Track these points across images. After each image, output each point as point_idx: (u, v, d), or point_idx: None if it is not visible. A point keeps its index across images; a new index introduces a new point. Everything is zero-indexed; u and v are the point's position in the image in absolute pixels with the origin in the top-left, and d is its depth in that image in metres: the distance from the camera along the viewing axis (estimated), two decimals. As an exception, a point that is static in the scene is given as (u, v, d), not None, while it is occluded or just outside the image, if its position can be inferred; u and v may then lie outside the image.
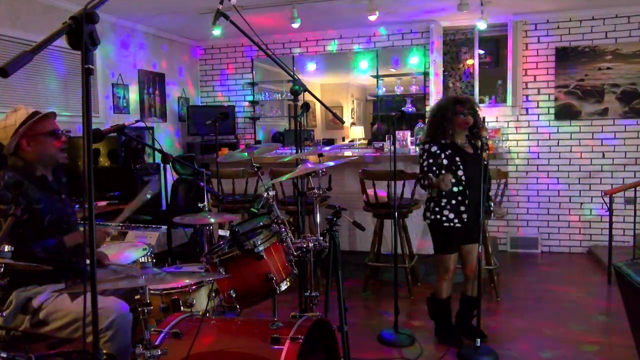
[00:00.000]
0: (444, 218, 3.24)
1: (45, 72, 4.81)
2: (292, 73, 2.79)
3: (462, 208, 3.21)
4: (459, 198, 3.22)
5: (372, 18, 5.27)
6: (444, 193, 3.21)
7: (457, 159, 3.22)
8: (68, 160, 2.52)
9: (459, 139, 3.28)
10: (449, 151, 3.23)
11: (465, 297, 3.47)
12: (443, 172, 3.19)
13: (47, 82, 4.84)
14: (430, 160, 3.24)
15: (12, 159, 2.43)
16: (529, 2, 5.44)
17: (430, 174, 3.19)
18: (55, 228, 2.41)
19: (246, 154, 2.92)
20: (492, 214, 3.39)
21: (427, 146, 3.28)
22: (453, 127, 3.24)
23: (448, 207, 3.23)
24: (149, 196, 2.66)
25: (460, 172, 3.20)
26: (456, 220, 3.23)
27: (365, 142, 7.44)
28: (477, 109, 3.31)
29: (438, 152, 3.24)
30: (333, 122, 8.67)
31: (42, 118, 2.40)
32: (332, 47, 6.72)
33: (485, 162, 3.14)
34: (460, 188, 3.21)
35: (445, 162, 3.22)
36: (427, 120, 3.50)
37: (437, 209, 3.27)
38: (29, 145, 2.40)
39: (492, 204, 3.42)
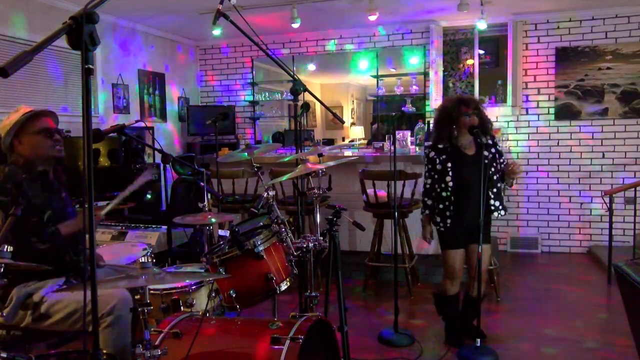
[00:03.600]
0: (433, 220, 3.36)
1: (45, 72, 4.81)
2: (292, 73, 2.79)
3: (447, 213, 3.26)
4: (446, 203, 3.27)
5: (372, 18, 5.26)
6: (433, 194, 3.36)
7: (449, 164, 3.26)
8: (63, 154, 2.53)
9: (463, 140, 3.29)
10: (444, 156, 3.28)
11: (468, 297, 3.47)
12: (436, 177, 3.31)
13: (47, 82, 4.84)
14: (429, 166, 3.35)
15: (13, 157, 2.46)
16: (529, 2, 5.44)
17: (426, 209, 3.36)
18: (54, 224, 2.42)
19: (246, 154, 2.92)
20: (501, 210, 3.36)
21: (427, 151, 3.39)
22: (458, 128, 3.25)
23: (436, 210, 3.33)
24: (151, 177, 2.69)
25: (448, 178, 3.26)
26: (441, 224, 3.30)
27: (365, 142, 7.44)
28: (482, 108, 3.32)
29: (434, 157, 3.32)
30: (333, 122, 8.68)
31: (32, 117, 2.42)
32: (332, 47, 6.72)
33: (486, 161, 3.14)
34: (447, 194, 3.26)
35: (439, 167, 3.30)
36: (433, 121, 3.51)
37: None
38: (20, 143, 2.43)
39: (498, 202, 3.37)
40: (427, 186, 3.37)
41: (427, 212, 3.38)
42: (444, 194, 3.28)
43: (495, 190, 3.32)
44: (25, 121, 2.40)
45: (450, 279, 3.36)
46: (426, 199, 3.39)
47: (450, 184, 3.25)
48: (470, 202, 3.20)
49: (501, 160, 3.38)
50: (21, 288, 2.36)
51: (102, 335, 2.24)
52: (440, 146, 3.30)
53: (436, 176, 3.31)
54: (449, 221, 3.26)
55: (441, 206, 3.29)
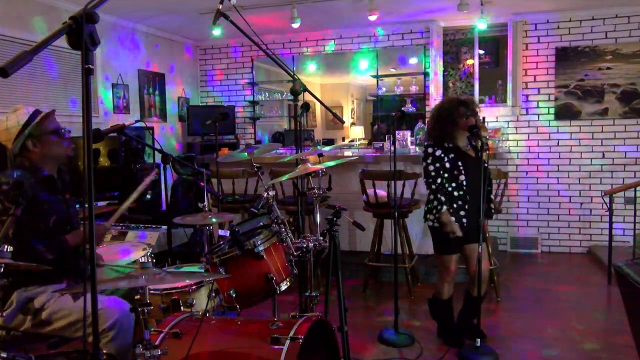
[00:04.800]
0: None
1: (45, 72, 4.81)
2: (292, 73, 2.79)
3: (462, 213, 3.21)
4: (460, 202, 3.22)
5: (372, 18, 5.26)
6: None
7: (460, 163, 3.21)
8: (73, 153, 2.52)
9: (461, 142, 3.28)
10: (452, 155, 3.22)
11: (468, 297, 3.46)
12: (446, 175, 3.20)
13: (47, 82, 4.84)
14: (437, 165, 3.22)
15: (18, 159, 2.41)
16: (529, 2, 5.44)
17: (441, 205, 3.17)
18: (60, 228, 2.41)
19: (246, 154, 2.92)
20: (493, 214, 3.40)
21: (430, 150, 3.26)
22: (457, 129, 3.23)
23: (449, 211, 3.21)
24: (154, 177, 2.70)
25: (462, 177, 3.20)
26: (456, 225, 3.23)
27: (365, 142, 7.44)
28: (478, 109, 3.31)
29: (442, 155, 3.22)
30: (333, 122, 8.67)
31: (44, 117, 2.39)
32: (332, 47, 6.72)
33: (485, 165, 3.14)
34: (461, 193, 3.22)
35: (447, 165, 3.21)
36: (430, 121, 3.47)
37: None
38: (35, 146, 2.38)
39: (492, 205, 3.42)
40: (439, 185, 3.20)
41: (443, 208, 3.18)
42: (456, 193, 3.21)
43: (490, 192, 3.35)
44: (39, 122, 2.37)
45: (448, 282, 3.36)
46: (439, 195, 3.19)
47: (465, 182, 3.20)
48: (473, 203, 3.19)
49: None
50: (22, 292, 2.35)
51: (104, 349, 2.22)
52: (447, 145, 3.25)
53: (446, 175, 3.22)
54: (464, 221, 3.21)
55: (455, 206, 3.21)
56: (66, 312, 2.31)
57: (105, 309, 2.24)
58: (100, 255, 2.69)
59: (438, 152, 3.23)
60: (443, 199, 3.19)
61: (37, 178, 2.40)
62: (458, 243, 3.30)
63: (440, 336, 3.51)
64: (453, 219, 3.18)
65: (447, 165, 3.22)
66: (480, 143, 3.16)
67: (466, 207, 3.21)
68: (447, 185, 3.23)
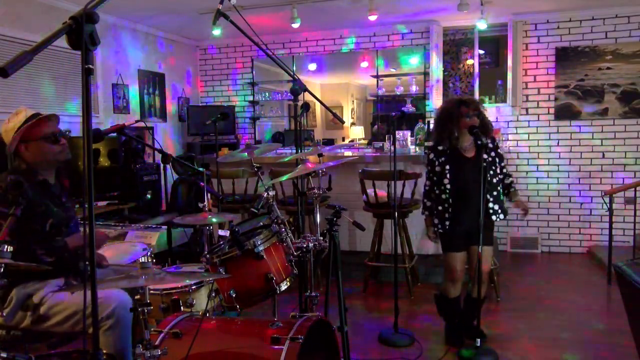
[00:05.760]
0: (432, 222, 3.38)
1: (45, 72, 4.81)
2: (292, 73, 2.79)
3: (446, 215, 3.27)
4: (445, 205, 3.28)
5: (372, 18, 5.26)
6: (432, 196, 3.38)
7: (447, 167, 3.26)
8: (70, 156, 2.52)
9: (464, 142, 3.28)
10: (443, 158, 3.29)
11: (469, 298, 3.46)
12: (435, 179, 3.34)
13: (46, 82, 4.83)
14: (429, 168, 3.38)
15: (16, 161, 2.44)
16: (529, 2, 5.44)
17: (426, 210, 3.40)
18: (57, 231, 2.41)
19: (246, 154, 2.92)
20: (500, 214, 3.34)
21: (427, 152, 3.44)
22: (458, 130, 3.24)
23: (435, 212, 3.34)
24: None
25: (446, 181, 3.26)
26: (439, 226, 3.30)
27: (365, 142, 7.44)
28: (482, 109, 3.30)
29: (433, 159, 3.33)
30: (333, 122, 8.68)
31: (37, 122, 2.39)
32: (332, 47, 6.72)
33: (485, 164, 3.12)
34: (446, 196, 3.27)
35: (437, 169, 3.31)
36: (433, 123, 3.51)
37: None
38: (26, 149, 2.40)
39: (497, 206, 3.34)
40: (427, 188, 3.40)
41: (427, 213, 3.40)
42: (443, 196, 3.28)
43: (495, 193, 3.30)
44: (29, 126, 2.37)
45: (451, 281, 3.36)
46: (425, 200, 3.41)
47: (448, 186, 3.25)
48: (470, 205, 3.19)
49: (502, 164, 3.38)
50: (21, 289, 2.35)
51: (102, 338, 2.23)
52: (440, 148, 3.29)
53: (435, 178, 3.32)
54: (447, 223, 3.26)
55: (440, 208, 3.29)
56: (64, 306, 2.32)
57: (102, 298, 2.23)
58: (104, 257, 2.69)
59: (431, 156, 3.36)
60: (428, 204, 3.39)
61: (32, 181, 2.40)
62: (460, 242, 3.31)
63: (447, 335, 3.51)
64: (433, 225, 3.37)
65: (437, 169, 3.31)
66: (485, 141, 3.16)
67: (450, 210, 3.25)
68: (435, 188, 3.34)
